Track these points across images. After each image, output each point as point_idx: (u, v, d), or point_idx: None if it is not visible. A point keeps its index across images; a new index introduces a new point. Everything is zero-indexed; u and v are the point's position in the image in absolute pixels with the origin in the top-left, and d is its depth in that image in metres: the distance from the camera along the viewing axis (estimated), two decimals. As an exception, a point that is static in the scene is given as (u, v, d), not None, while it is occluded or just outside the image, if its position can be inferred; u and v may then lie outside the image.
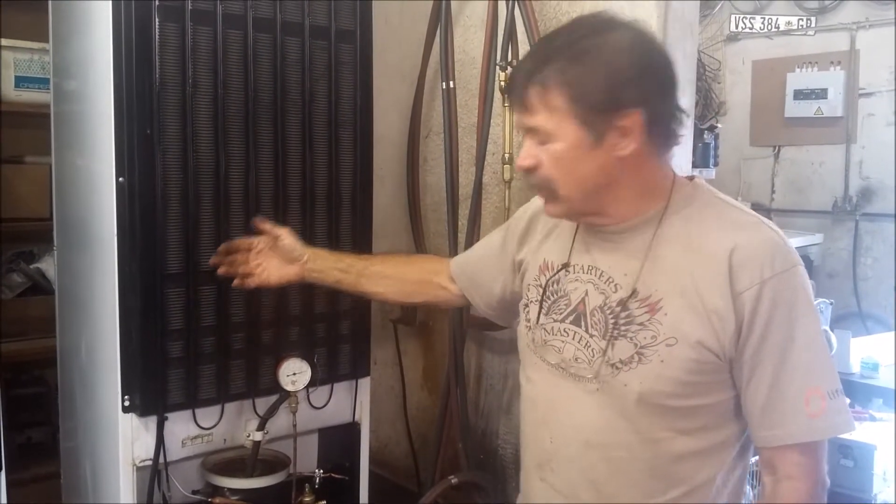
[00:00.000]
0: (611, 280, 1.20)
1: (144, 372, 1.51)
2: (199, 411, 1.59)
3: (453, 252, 2.03)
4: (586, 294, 1.21)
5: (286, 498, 1.73)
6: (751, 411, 1.14)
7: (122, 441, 1.53)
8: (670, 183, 1.20)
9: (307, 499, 1.73)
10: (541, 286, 1.28)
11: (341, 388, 1.81)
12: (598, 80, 1.11)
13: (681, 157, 1.87)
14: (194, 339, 1.55)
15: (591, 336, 1.19)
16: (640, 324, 1.15)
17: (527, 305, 1.31)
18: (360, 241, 1.76)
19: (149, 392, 1.52)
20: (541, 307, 1.27)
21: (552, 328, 1.25)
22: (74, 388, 1.82)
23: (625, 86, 1.11)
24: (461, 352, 2.01)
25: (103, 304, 1.58)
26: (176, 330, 1.53)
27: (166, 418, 1.55)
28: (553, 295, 1.26)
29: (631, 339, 1.15)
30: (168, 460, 1.58)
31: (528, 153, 1.18)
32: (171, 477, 1.62)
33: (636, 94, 1.11)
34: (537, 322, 1.28)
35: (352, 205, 1.75)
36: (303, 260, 1.55)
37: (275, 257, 1.56)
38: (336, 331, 1.76)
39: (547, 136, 1.15)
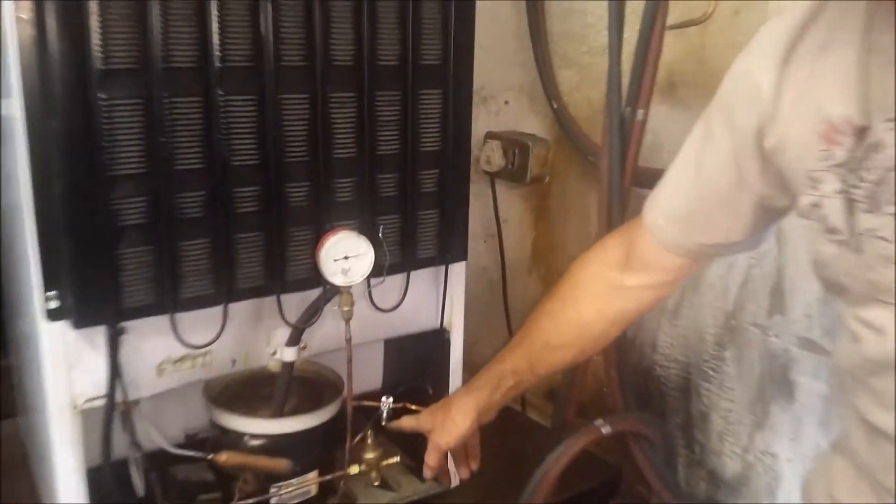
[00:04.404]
0: None
1: (80, 247, 0.83)
2: (183, 318, 0.92)
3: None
4: None
5: (335, 439, 1.09)
6: None
7: (51, 366, 0.88)
8: None
9: (370, 455, 1.09)
10: (839, 165, 0.69)
11: (422, 280, 1.13)
12: None
13: None
14: (166, 191, 0.86)
15: None
16: None
17: (817, 206, 0.72)
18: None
19: (91, 285, 0.85)
20: (852, 202, 0.68)
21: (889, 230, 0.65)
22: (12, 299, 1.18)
23: None
24: (619, 220, 1.25)
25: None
26: (130, 175, 0.84)
27: (123, 330, 0.89)
28: (867, 174, 0.67)
29: None
30: (134, 398, 0.94)
31: None
32: (144, 421, 0.99)
33: None
34: (854, 229, 0.68)
35: None
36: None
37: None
38: (414, 187, 1.05)
39: None
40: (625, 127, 1.23)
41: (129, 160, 0.83)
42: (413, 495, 1.25)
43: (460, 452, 1.09)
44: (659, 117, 1.34)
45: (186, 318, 0.92)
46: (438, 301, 1.17)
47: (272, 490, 1.09)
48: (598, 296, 0.97)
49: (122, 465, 1.01)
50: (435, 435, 1.03)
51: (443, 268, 1.14)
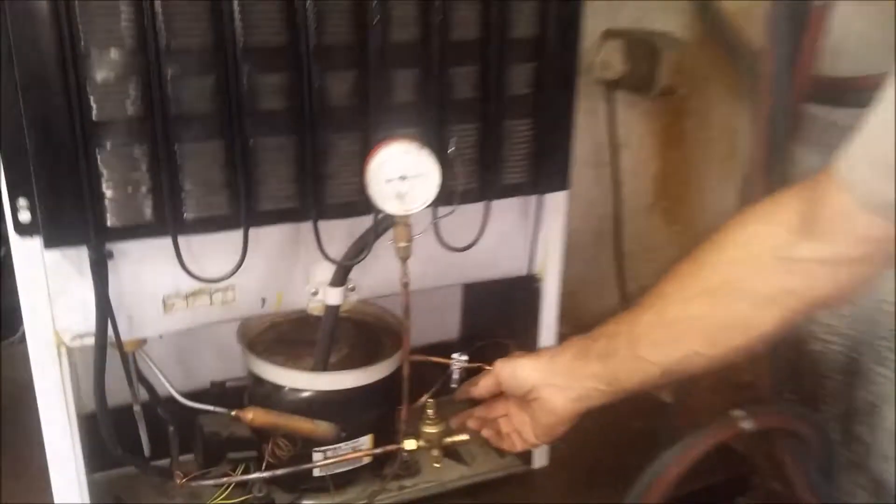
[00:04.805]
0: None
1: (46, 146, 0.65)
2: (195, 243, 0.73)
3: None
4: None
5: (395, 399, 0.89)
6: None
7: (27, 293, 0.71)
8: None
9: (430, 429, 0.88)
10: None
11: (507, 212, 0.89)
12: None
13: None
14: (160, 74, 0.65)
15: None
16: None
17: None
18: None
19: (62, 195, 0.66)
20: None
21: None
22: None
23: None
24: (785, 146, 0.95)
25: None
26: (110, 51, 0.64)
27: (110, 254, 0.71)
28: None
29: None
30: (135, 337, 0.76)
31: None
32: (150, 365, 0.82)
33: None
34: None
35: None
36: None
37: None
38: (500, 86, 0.80)
39: None
40: (798, 20, 0.92)
41: (109, 31, 0.63)
42: (488, 472, 1.04)
43: (514, 416, 0.86)
44: (840, 11, 1.00)
45: (199, 244, 0.73)
46: (528, 240, 0.92)
47: (315, 456, 0.91)
48: (753, 263, 0.69)
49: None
50: (498, 362, 0.86)
51: (535, 198, 0.89)
